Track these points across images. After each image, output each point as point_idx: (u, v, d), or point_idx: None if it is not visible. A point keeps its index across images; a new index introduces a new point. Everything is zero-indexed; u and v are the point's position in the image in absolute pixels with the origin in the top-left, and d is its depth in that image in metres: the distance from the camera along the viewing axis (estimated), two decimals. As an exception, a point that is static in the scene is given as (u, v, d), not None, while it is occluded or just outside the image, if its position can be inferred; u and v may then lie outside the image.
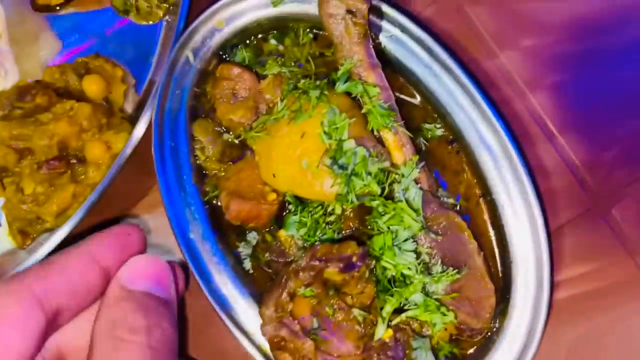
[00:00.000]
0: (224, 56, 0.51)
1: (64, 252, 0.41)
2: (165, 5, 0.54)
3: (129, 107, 0.54)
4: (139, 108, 0.53)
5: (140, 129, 0.48)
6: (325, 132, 0.44)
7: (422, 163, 0.46)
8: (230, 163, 0.50)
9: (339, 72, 0.46)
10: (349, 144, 0.43)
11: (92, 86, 0.52)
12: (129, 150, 0.47)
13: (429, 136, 0.49)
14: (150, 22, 0.55)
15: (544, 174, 0.50)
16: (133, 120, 0.52)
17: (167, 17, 0.55)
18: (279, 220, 0.48)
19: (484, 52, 0.52)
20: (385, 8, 0.48)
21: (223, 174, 0.50)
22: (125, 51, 0.55)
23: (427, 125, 0.49)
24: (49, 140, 0.50)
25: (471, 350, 0.46)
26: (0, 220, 0.53)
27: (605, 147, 0.50)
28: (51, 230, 0.50)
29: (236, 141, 0.50)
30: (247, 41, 0.52)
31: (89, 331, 0.37)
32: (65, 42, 0.56)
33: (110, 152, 0.50)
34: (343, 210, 0.45)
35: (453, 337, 0.46)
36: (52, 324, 0.37)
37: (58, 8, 0.56)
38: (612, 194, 0.50)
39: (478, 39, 0.52)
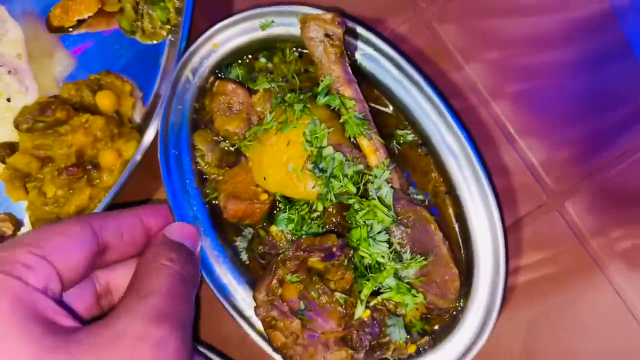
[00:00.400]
0: (220, 74, 0.58)
1: (118, 210, 0.49)
2: (167, 26, 0.60)
3: (137, 118, 0.60)
4: (146, 118, 0.59)
5: (147, 138, 0.54)
6: (307, 140, 0.50)
7: (394, 165, 0.52)
8: (227, 168, 0.56)
9: (320, 88, 0.53)
10: (328, 151, 0.50)
11: (104, 100, 0.58)
12: (138, 157, 0.54)
13: (401, 141, 0.55)
14: (155, 41, 0.61)
15: (505, 172, 0.56)
16: (141, 129, 0.59)
17: (169, 37, 0.60)
18: (270, 217, 0.54)
19: (451, 65, 0.57)
20: (360, 30, 0.54)
21: (221, 177, 0.56)
22: (132, 67, 0.61)
23: (399, 132, 0.55)
24: (68, 149, 0.56)
25: (439, 327, 0.53)
26: (24, 221, 0.60)
27: (559, 148, 0.56)
28: None
29: (232, 149, 0.56)
30: (240, 60, 0.58)
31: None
32: (78, 59, 0.62)
33: (122, 159, 0.57)
34: (325, 208, 0.51)
35: (423, 316, 0.52)
36: (101, 256, 0.44)
37: (71, 29, 0.62)
38: (565, 190, 0.55)
39: (446, 53, 0.57)
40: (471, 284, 0.51)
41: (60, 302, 0.40)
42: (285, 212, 0.53)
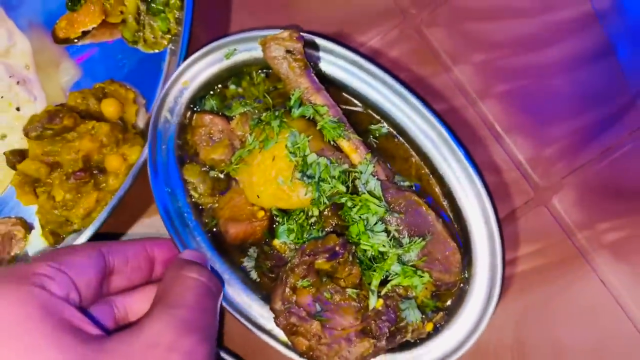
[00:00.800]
0: (195, 108, 0.60)
1: (122, 240, 0.51)
2: (168, 36, 0.63)
3: (141, 123, 0.63)
4: (149, 124, 0.61)
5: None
6: (290, 152, 0.53)
7: (376, 158, 0.55)
8: (220, 195, 0.59)
9: (292, 101, 0.56)
10: (312, 157, 0.53)
11: (109, 108, 0.60)
12: (142, 161, 0.56)
13: (377, 135, 0.58)
14: (156, 50, 0.63)
15: (493, 170, 0.59)
16: (144, 134, 0.61)
17: (170, 45, 0.63)
18: (271, 232, 0.56)
19: (440, 67, 0.60)
20: (319, 40, 0.57)
21: (216, 205, 0.59)
22: (135, 76, 0.63)
23: (373, 127, 0.58)
24: (75, 155, 0.59)
25: (450, 301, 0.55)
26: (34, 224, 0.62)
27: (544, 146, 0.58)
28: (78, 231, 0.59)
29: (221, 176, 0.59)
30: (212, 91, 0.61)
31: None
32: (83, 69, 0.64)
33: (126, 163, 0.59)
34: (320, 212, 0.54)
35: (434, 294, 0.55)
36: (108, 278, 0.47)
37: (76, 40, 0.64)
38: (552, 186, 0.58)
39: (435, 56, 0.60)
40: (471, 253, 0.54)
41: (83, 311, 0.42)
42: (284, 224, 0.55)
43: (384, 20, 0.62)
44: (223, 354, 0.58)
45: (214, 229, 0.58)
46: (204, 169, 0.59)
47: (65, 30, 0.64)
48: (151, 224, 0.62)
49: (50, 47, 0.65)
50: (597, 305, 0.57)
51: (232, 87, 0.61)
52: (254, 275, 0.58)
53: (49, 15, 0.65)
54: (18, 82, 0.63)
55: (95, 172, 0.60)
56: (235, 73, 0.60)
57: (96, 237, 0.56)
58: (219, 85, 0.61)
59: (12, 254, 0.60)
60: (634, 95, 0.58)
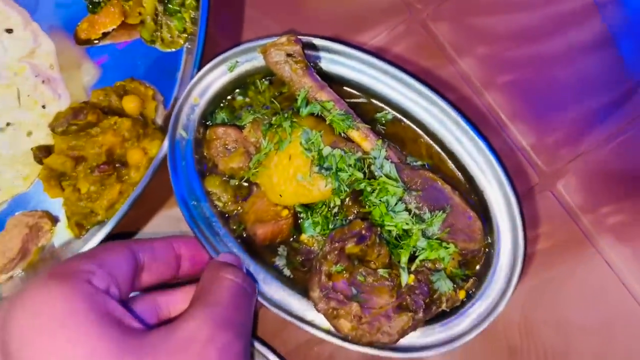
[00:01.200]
0: (208, 122, 0.63)
1: (149, 238, 0.54)
2: (184, 35, 0.66)
3: (160, 119, 0.66)
4: (167, 119, 0.64)
5: (167, 138, 0.59)
6: (305, 149, 0.56)
7: (387, 143, 0.58)
8: (243, 201, 0.61)
9: (299, 101, 0.59)
10: (327, 150, 0.55)
11: (130, 104, 0.63)
12: (161, 154, 0.59)
13: (384, 121, 0.61)
14: (173, 49, 0.66)
15: (499, 156, 0.60)
16: (163, 129, 0.64)
17: (187, 44, 0.66)
18: (297, 229, 0.59)
19: (446, 60, 0.63)
20: (316, 41, 0.60)
21: (241, 210, 0.61)
22: (153, 74, 0.66)
23: (378, 115, 0.61)
24: (99, 149, 0.61)
25: (478, 266, 0.57)
26: (59, 217, 0.64)
27: (548, 133, 0.61)
28: (102, 222, 0.62)
29: (243, 183, 0.62)
30: (221, 104, 0.63)
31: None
32: (103, 68, 0.67)
33: (147, 157, 0.62)
34: (342, 201, 0.56)
35: (461, 263, 0.57)
36: (139, 274, 0.49)
37: (96, 41, 0.67)
38: (556, 171, 0.61)
39: (441, 49, 0.63)
40: (491, 219, 0.57)
41: (127, 307, 0.44)
42: (308, 218, 0.58)
43: (391, 16, 0.65)
44: (257, 345, 0.60)
45: (243, 234, 0.61)
46: (225, 178, 0.62)
47: (86, 32, 0.67)
48: (171, 216, 0.64)
49: (72, 48, 0.68)
50: (601, 285, 0.59)
51: (239, 97, 0.64)
52: (287, 272, 0.60)
53: (70, 19, 0.68)
54: (43, 82, 0.66)
55: (117, 165, 0.62)
56: (240, 84, 0.63)
57: (119, 228, 0.59)
58: (227, 98, 0.63)
59: (40, 245, 0.63)
60: (634, 84, 0.60)
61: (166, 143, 0.59)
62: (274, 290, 0.58)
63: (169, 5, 0.65)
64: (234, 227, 0.61)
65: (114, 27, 0.66)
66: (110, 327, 0.40)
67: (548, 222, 0.60)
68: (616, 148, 0.60)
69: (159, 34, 0.66)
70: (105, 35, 0.67)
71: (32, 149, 0.65)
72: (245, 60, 0.62)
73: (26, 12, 0.67)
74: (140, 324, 0.44)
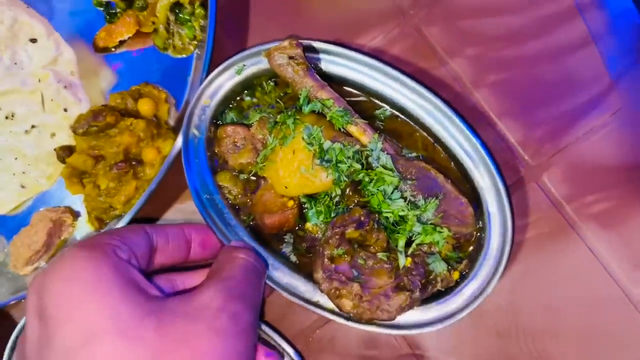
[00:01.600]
0: (218, 122, 0.68)
1: (163, 223, 0.59)
2: (195, 42, 0.71)
3: (172, 121, 0.71)
4: (179, 120, 0.70)
5: (181, 137, 0.64)
6: (308, 143, 0.60)
7: (383, 136, 0.62)
8: (252, 194, 0.66)
9: (301, 100, 0.63)
10: (327, 144, 0.60)
11: (144, 107, 0.68)
12: (174, 153, 0.64)
13: (382, 118, 0.66)
14: (184, 55, 0.71)
15: (488, 149, 0.64)
16: (175, 130, 0.69)
17: (196, 51, 0.71)
18: (302, 218, 0.64)
19: (438, 61, 0.67)
20: (316, 44, 0.65)
21: (251, 203, 0.66)
22: (166, 78, 0.71)
23: (377, 112, 0.65)
24: (117, 148, 0.66)
25: (471, 249, 0.61)
26: (80, 212, 0.70)
27: (533, 128, 0.65)
28: (120, 216, 0.67)
29: (251, 177, 0.66)
30: (230, 105, 0.68)
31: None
32: (119, 74, 0.73)
33: (161, 155, 0.67)
34: (342, 191, 0.61)
35: (455, 246, 0.61)
36: (153, 255, 0.54)
37: (113, 49, 0.73)
38: (541, 164, 0.64)
39: (433, 51, 0.67)
40: (481, 205, 0.61)
41: (147, 277, 0.49)
42: (312, 208, 0.62)
43: (385, 21, 0.69)
44: (264, 328, 0.65)
45: (252, 223, 0.66)
46: (234, 173, 0.67)
47: (104, 40, 0.72)
48: (184, 209, 0.70)
49: (91, 56, 0.73)
50: (586, 271, 0.62)
51: (247, 98, 0.69)
52: (293, 258, 0.65)
53: (89, 29, 0.73)
54: (65, 87, 0.71)
55: (134, 163, 0.67)
56: (248, 86, 0.68)
57: (135, 221, 0.64)
58: (236, 99, 0.69)
59: (62, 238, 0.69)
60: (613, 80, 0.64)
61: (179, 142, 0.64)
62: (282, 275, 0.63)
63: (180, 15, 0.70)
64: (244, 218, 0.66)
65: (130, 35, 0.71)
66: (133, 292, 0.45)
67: (535, 212, 0.64)
68: (597, 141, 0.63)
69: (171, 41, 0.71)
70: (121, 43, 0.73)
71: (55, 149, 0.70)
72: (252, 63, 0.67)
73: (49, 23, 0.73)
74: (159, 292, 0.48)
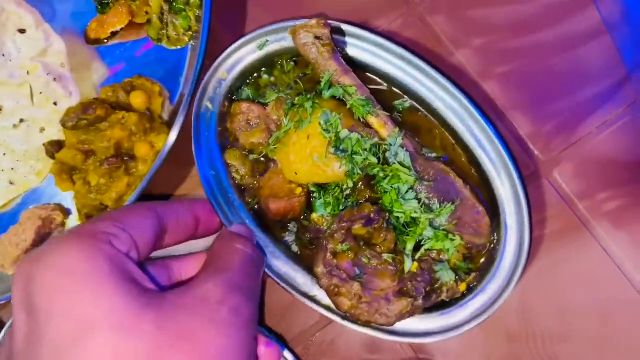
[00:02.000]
0: (233, 97, 0.65)
1: (173, 201, 0.56)
2: (190, 33, 0.67)
3: (166, 115, 0.67)
4: (173, 115, 0.67)
5: (175, 131, 0.61)
6: (324, 130, 0.57)
7: (403, 132, 0.59)
8: (260, 176, 0.63)
9: (322, 84, 0.60)
10: (344, 133, 0.57)
11: (137, 100, 0.65)
12: (167, 148, 0.61)
13: (401, 109, 0.62)
14: (179, 47, 0.68)
15: (512, 155, 0.61)
16: (169, 124, 0.66)
17: (191, 42, 0.67)
18: (309, 207, 0.61)
19: (443, 52, 0.64)
20: (344, 27, 0.62)
21: (257, 185, 0.63)
22: (160, 70, 0.68)
23: (396, 102, 0.62)
24: (108, 143, 0.63)
25: (482, 261, 0.58)
26: (71, 209, 0.67)
27: (543, 122, 0.61)
28: None
29: (261, 158, 0.64)
30: (247, 81, 0.65)
31: None
32: (111, 66, 0.70)
33: (154, 150, 0.64)
34: (355, 184, 0.58)
35: (466, 256, 0.58)
36: (161, 237, 0.51)
37: (105, 41, 0.69)
38: (551, 159, 0.61)
39: (438, 42, 0.64)
40: (499, 216, 0.57)
41: (142, 268, 0.46)
42: (320, 198, 0.59)
43: (388, 10, 0.65)
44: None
45: (256, 207, 0.63)
46: (244, 152, 0.64)
47: (96, 31, 0.69)
48: (186, 186, 0.67)
49: (83, 48, 0.70)
50: (599, 271, 0.59)
51: (265, 76, 0.66)
52: (295, 248, 0.62)
53: (80, 19, 0.70)
54: (55, 79, 0.68)
55: (126, 158, 0.64)
56: (268, 63, 0.65)
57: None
58: (254, 75, 0.65)
59: (52, 236, 0.66)
60: (628, 72, 0.60)
61: (172, 137, 0.60)
62: (281, 264, 0.60)
63: (174, 4, 0.66)
64: (249, 200, 0.63)
65: (122, 26, 0.68)
66: (129, 286, 0.42)
67: (545, 209, 0.61)
68: (611, 135, 0.60)
69: (165, 32, 0.67)
70: (114, 34, 0.69)
71: (44, 144, 0.67)
72: (275, 40, 0.63)
73: (38, 13, 0.69)
74: (156, 286, 0.46)
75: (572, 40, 0.62)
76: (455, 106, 0.59)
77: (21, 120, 0.68)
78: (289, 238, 0.62)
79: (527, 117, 0.62)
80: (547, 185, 0.61)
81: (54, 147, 0.66)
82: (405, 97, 0.62)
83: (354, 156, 0.56)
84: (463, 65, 0.63)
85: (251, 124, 0.64)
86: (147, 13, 0.67)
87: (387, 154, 0.57)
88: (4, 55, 0.67)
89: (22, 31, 0.67)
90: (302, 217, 0.61)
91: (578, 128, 0.61)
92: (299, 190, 0.61)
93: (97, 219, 0.47)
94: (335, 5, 0.66)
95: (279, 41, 0.64)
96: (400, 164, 0.57)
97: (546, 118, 0.62)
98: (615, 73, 0.61)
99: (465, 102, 0.58)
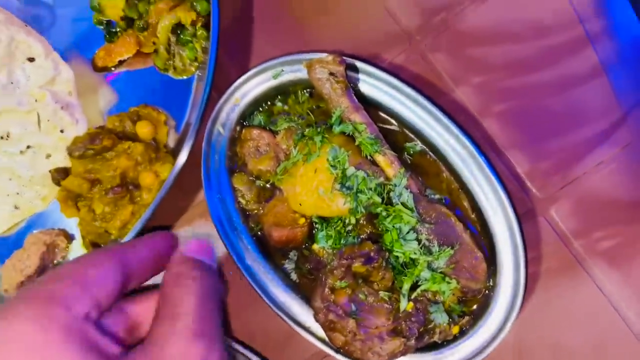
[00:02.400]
0: (245, 122, 0.67)
1: (133, 240, 0.54)
2: (196, 63, 0.69)
3: (171, 143, 0.69)
4: (179, 144, 0.68)
5: (180, 161, 0.61)
6: (331, 165, 0.59)
7: (409, 173, 0.60)
8: (265, 203, 0.65)
9: (333, 119, 0.61)
10: (351, 171, 0.58)
11: (143, 130, 0.67)
12: (172, 178, 0.61)
13: (412, 152, 0.63)
14: (185, 77, 0.69)
15: (513, 203, 0.61)
16: (174, 153, 0.67)
17: (197, 72, 0.69)
18: (310, 238, 0.62)
19: (443, 89, 0.65)
20: (359, 64, 0.63)
21: (262, 211, 0.65)
22: (166, 99, 0.69)
23: (408, 144, 0.63)
24: (113, 172, 0.65)
25: (476, 306, 0.59)
26: (75, 235, 0.68)
27: (541, 160, 0.63)
28: (115, 240, 0.65)
29: (267, 185, 0.65)
30: (260, 108, 0.67)
31: None
32: (118, 93, 0.71)
33: (159, 179, 0.65)
34: (357, 220, 0.59)
35: (460, 300, 0.59)
36: (125, 285, 0.45)
37: (113, 68, 0.71)
38: (548, 197, 0.62)
39: (439, 78, 0.65)
40: (496, 263, 0.58)
41: (102, 329, 0.42)
42: (323, 230, 0.60)
43: (391, 46, 0.67)
44: (235, 345, 0.63)
45: (259, 233, 0.64)
46: (251, 178, 0.65)
47: (103, 60, 0.70)
48: (192, 212, 0.68)
49: (90, 75, 0.71)
50: (593, 309, 0.60)
51: (279, 104, 0.67)
52: (294, 276, 0.63)
53: (88, 47, 0.71)
54: (62, 107, 0.69)
55: (130, 187, 0.65)
56: (282, 92, 0.66)
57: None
58: (267, 102, 0.67)
59: (55, 261, 0.67)
60: (624, 113, 0.62)
61: (178, 165, 0.61)
62: (279, 292, 0.61)
63: (182, 36, 0.68)
64: (252, 226, 0.64)
65: (130, 55, 0.69)
66: (89, 356, 0.39)
67: (541, 246, 0.62)
68: (607, 175, 0.61)
69: (171, 62, 0.69)
70: (121, 62, 0.70)
71: (50, 171, 0.68)
72: (290, 70, 0.65)
73: (46, 42, 0.70)
74: (118, 347, 0.42)
75: (569, 80, 0.63)
76: (458, 147, 0.60)
77: (28, 147, 0.68)
78: (289, 266, 0.63)
79: (524, 155, 0.63)
80: (543, 222, 0.62)
81: (60, 174, 0.67)
82: (417, 140, 0.63)
83: (359, 194, 0.57)
84: (463, 102, 0.65)
85: (260, 150, 0.65)
86: (154, 44, 0.69)
87: (391, 194, 0.59)
88: (12, 83, 0.68)
89: (31, 59, 0.68)
90: (303, 246, 0.63)
91: (575, 167, 0.62)
92: (302, 220, 0.62)
93: (52, 277, 0.43)
94: (340, 39, 0.68)
95: (294, 72, 0.65)
96: (403, 204, 0.58)
97: (544, 156, 0.63)
98: (611, 114, 0.62)
99: (465, 140, 0.59)
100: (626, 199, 0.61)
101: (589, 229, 0.61)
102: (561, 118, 0.63)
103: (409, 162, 0.63)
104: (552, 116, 0.63)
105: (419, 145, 0.63)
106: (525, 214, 0.63)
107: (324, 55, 0.62)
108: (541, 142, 0.63)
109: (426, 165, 0.63)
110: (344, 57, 0.62)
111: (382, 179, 0.59)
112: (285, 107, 0.67)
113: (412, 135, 0.63)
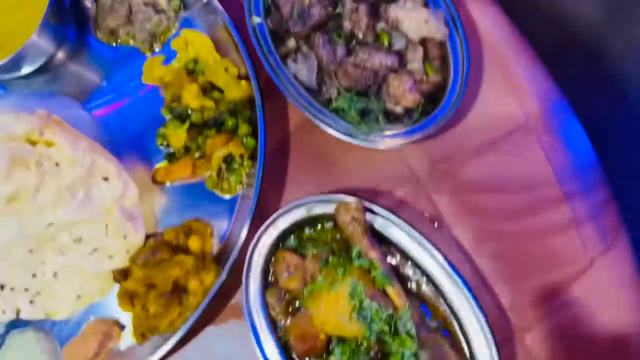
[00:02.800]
0: (280, 245, 0.81)
1: None
2: (240, 185, 0.84)
3: (215, 250, 0.83)
4: (220, 254, 0.82)
5: (225, 273, 0.76)
6: (351, 296, 0.72)
7: (413, 304, 0.74)
8: (292, 316, 0.78)
9: (353, 253, 0.75)
10: (366, 302, 0.72)
11: (194, 244, 0.80)
12: (217, 286, 0.76)
13: (420, 284, 0.77)
14: (230, 196, 0.85)
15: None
16: (217, 261, 0.81)
17: (241, 191, 0.84)
18: (328, 349, 0.75)
19: (442, 231, 0.81)
20: (375, 208, 0.77)
21: (289, 323, 0.78)
22: (214, 212, 0.84)
23: (414, 277, 0.77)
24: (168, 279, 0.78)
25: (462, 422, 0.72)
26: (125, 325, 0.81)
27: (520, 295, 0.77)
28: (162, 333, 0.78)
29: (295, 301, 0.78)
30: (293, 233, 0.81)
31: None
32: (172, 201, 0.85)
33: (203, 286, 0.78)
34: (368, 342, 0.72)
35: (450, 414, 0.72)
36: None
37: (168, 183, 0.86)
38: (524, 326, 0.77)
39: (439, 217, 0.81)
40: (482, 387, 0.71)
41: None
42: (339, 347, 0.73)
43: (399, 186, 0.83)
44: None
45: (286, 342, 0.77)
46: (281, 293, 0.78)
47: (162, 177, 0.86)
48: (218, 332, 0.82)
49: (150, 187, 0.86)
50: None
51: (308, 231, 0.81)
52: (313, 382, 0.76)
53: (150, 162, 0.87)
54: (127, 219, 0.82)
55: (179, 291, 0.79)
56: (311, 222, 0.80)
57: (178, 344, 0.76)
58: (299, 230, 0.81)
59: (108, 347, 0.79)
60: (589, 262, 0.79)
61: (221, 278, 0.75)
62: (299, 396, 0.74)
63: (231, 165, 0.84)
64: (279, 335, 0.77)
65: (185, 176, 0.85)
66: None
67: None
68: (574, 313, 0.76)
69: (220, 184, 0.85)
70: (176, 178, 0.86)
71: (112, 271, 0.81)
72: (321, 206, 0.79)
73: (119, 165, 0.83)
74: None
75: (546, 229, 0.80)
76: (449, 281, 0.74)
77: (95, 249, 0.81)
78: (309, 372, 0.76)
79: (507, 289, 0.79)
80: (519, 347, 0.77)
81: (121, 275, 0.81)
82: (424, 277, 0.76)
83: (372, 324, 0.71)
84: (458, 239, 0.80)
85: (290, 271, 0.78)
86: (207, 169, 0.84)
87: (398, 323, 0.72)
88: (89, 199, 0.80)
89: (106, 179, 0.81)
90: (322, 356, 0.75)
91: (548, 303, 0.77)
92: (323, 336, 0.75)
93: None
94: (358, 174, 0.85)
95: (323, 206, 0.79)
96: (407, 333, 0.71)
97: (523, 292, 0.78)
98: (579, 262, 0.78)
99: (456, 277, 0.73)
100: (589, 336, 0.76)
101: (558, 357, 0.76)
102: (538, 262, 0.79)
103: (415, 291, 0.76)
104: (530, 259, 0.79)
105: (423, 279, 0.77)
106: (503, 340, 0.77)
107: (349, 200, 0.76)
108: (521, 280, 0.78)
109: (427, 296, 0.76)
110: (365, 204, 0.77)
111: (391, 310, 0.72)
112: (313, 234, 0.81)
113: (419, 271, 0.77)
